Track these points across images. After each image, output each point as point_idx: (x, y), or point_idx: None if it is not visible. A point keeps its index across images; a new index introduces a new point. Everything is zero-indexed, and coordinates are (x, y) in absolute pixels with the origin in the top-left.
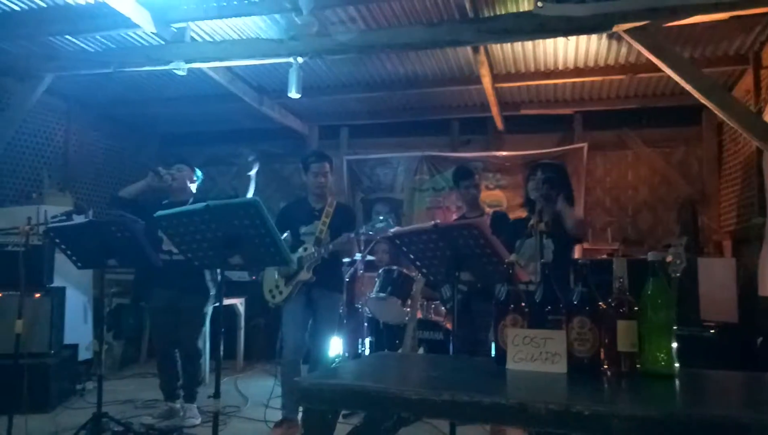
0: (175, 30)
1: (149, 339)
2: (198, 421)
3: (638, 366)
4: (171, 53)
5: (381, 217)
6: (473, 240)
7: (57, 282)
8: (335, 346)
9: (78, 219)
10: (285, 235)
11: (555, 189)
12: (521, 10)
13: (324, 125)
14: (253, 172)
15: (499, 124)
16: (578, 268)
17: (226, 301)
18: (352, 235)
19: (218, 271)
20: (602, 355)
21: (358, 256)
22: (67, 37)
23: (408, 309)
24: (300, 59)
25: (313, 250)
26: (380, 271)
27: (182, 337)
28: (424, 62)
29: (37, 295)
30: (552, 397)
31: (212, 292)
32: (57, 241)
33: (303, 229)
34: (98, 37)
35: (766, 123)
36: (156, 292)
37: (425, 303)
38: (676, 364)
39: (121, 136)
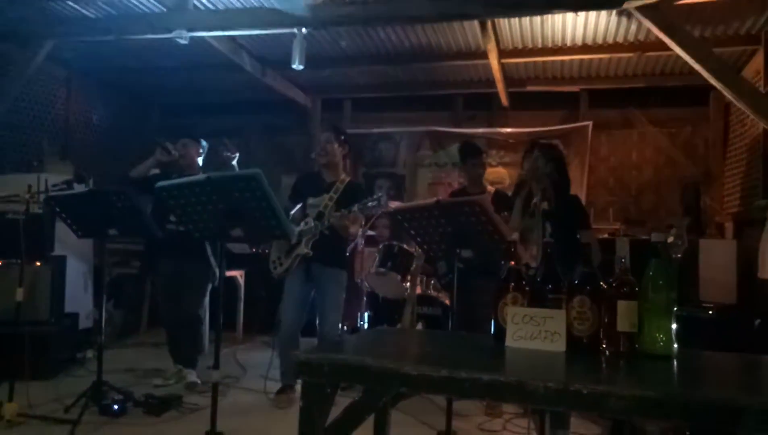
0: None
1: (150, 308)
2: (199, 382)
3: (637, 346)
4: (173, 21)
5: (373, 196)
6: (475, 217)
7: (58, 251)
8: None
9: (78, 188)
10: (296, 208)
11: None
12: None
13: (327, 98)
14: (234, 162)
15: (504, 100)
16: (581, 247)
17: (227, 274)
18: (346, 212)
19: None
20: (602, 335)
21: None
22: (69, 2)
23: (407, 284)
24: (304, 30)
25: (312, 224)
26: (380, 246)
27: (184, 304)
28: (429, 36)
29: (38, 263)
30: (550, 375)
31: (214, 268)
32: (57, 209)
33: (310, 201)
34: (100, 3)
35: None
36: (162, 261)
37: (425, 278)
38: (675, 345)
39: (123, 105)
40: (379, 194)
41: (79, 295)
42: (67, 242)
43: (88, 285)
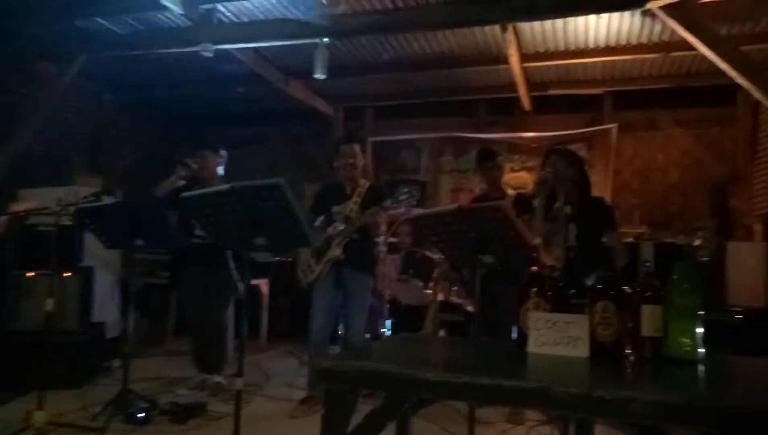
0: (202, 11)
1: (176, 318)
2: (225, 383)
3: (662, 351)
4: (199, 35)
5: (405, 190)
6: (497, 222)
7: (86, 261)
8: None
9: (107, 200)
10: (320, 219)
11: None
12: None
13: (349, 106)
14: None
15: (527, 104)
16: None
17: (251, 282)
18: (376, 208)
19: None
20: (626, 340)
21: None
22: (98, 19)
23: (430, 291)
24: (326, 40)
25: (341, 227)
26: (403, 252)
27: (208, 313)
28: (450, 42)
29: (67, 274)
30: (573, 381)
31: (236, 280)
32: (87, 221)
33: (335, 209)
34: (128, 19)
35: None
36: (187, 272)
37: (447, 285)
38: (701, 350)
39: (150, 118)
40: (411, 188)
41: (106, 305)
42: (96, 253)
43: (115, 295)
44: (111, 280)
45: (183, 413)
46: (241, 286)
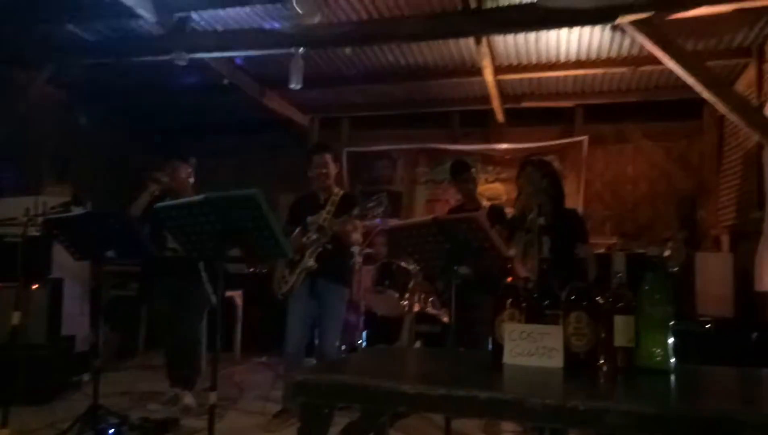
0: (176, 20)
1: (147, 331)
2: (194, 404)
3: (634, 361)
4: (172, 43)
5: (374, 197)
6: (472, 233)
7: (55, 273)
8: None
9: (76, 210)
10: (297, 230)
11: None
12: (524, 1)
13: (325, 117)
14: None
15: (500, 116)
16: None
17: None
18: (346, 217)
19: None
20: (599, 350)
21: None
22: (69, 26)
23: (405, 302)
24: (301, 50)
25: (314, 237)
26: (378, 263)
27: (182, 326)
28: (425, 54)
29: (35, 286)
30: (548, 392)
31: (209, 293)
32: (55, 232)
33: (309, 219)
34: (100, 27)
35: (767, 117)
36: (160, 285)
37: (423, 296)
38: (672, 360)
39: (122, 127)
40: (379, 194)
41: (75, 318)
42: (65, 265)
43: (84, 307)
44: (80, 293)
45: (155, 429)
46: (214, 299)
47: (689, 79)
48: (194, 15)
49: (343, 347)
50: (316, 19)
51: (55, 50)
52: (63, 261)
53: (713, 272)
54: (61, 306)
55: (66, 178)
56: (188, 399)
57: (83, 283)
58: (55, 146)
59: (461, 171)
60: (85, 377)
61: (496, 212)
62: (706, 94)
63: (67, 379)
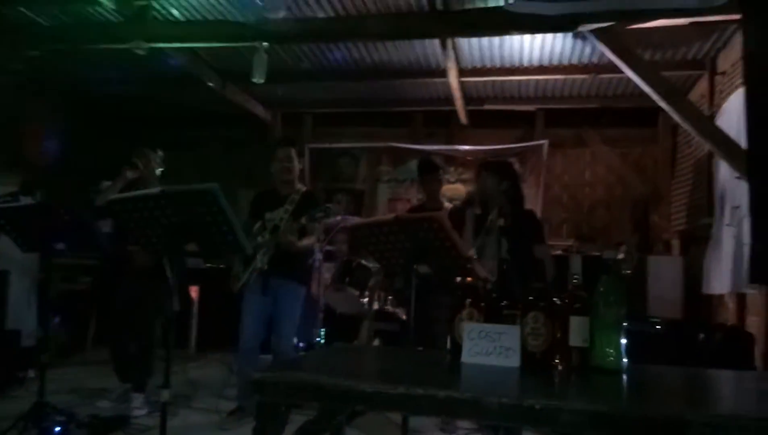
0: (136, 8)
1: (97, 326)
2: (144, 411)
3: (588, 361)
4: (131, 32)
5: (321, 207)
6: (433, 233)
7: (1, 265)
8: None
9: (25, 200)
10: (258, 224)
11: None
12: (490, 5)
13: (288, 112)
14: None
15: (463, 118)
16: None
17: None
18: (294, 225)
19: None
20: (555, 350)
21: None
22: (21, 9)
23: (365, 300)
24: (265, 44)
25: (268, 237)
26: (339, 261)
27: (141, 325)
28: (390, 53)
29: None
30: (504, 391)
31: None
32: (2, 222)
33: (267, 216)
34: (55, 11)
35: (717, 127)
36: (121, 282)
37: (382, 294)
38: (625, 360)
39: (78, 116)
40: (328, 205)
41: (22, 312)
42: (11, 256)
43: (32, 301)
44: (28, 286)
45: (103, 426)
46: (177, 305)
47: (646, 88)
48: (155, 3)
49: (301, 344)
50: (282, 14)
51: (6, 34)
52: (10, 252)
53: (664, 275)
54: (6, 299)
55: (17, 166)
56: (137, 402)
57: (31, 276)
58: (5, 133)
59: (430, 170)
60: (31, 373)
61: (456, 213)
62: (661, 103)
63: (12, 375)
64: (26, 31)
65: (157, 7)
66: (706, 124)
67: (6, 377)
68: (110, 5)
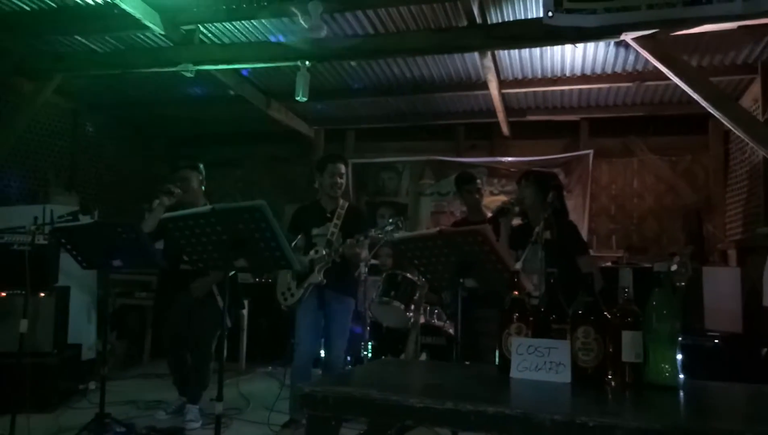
0: (184, 32)
1: (153, 340)
2: (198, 424)
3: (643, 377)
4: (179, 55)
5: (390, 220)
6: (478, 246)
7: (62, 281)
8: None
9: (84, 219)
10: (298, 238)
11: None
12: (530, 16)
13: (330, 129)
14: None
15: (505, 129)
16: (583, 275)
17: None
18: (360, 237)
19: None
20: (607, 366)
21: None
22: (77, 37)
23: (411, 314)
24: (307, 63)
25: (324, 252)
26: (384, 275)
27: (197, 340)
28: (431, 67)
29: (42, 294)
30: (556, 407)
31: (221, 304)
32: (63, 241)
33: (315, 231)
34: (108, 38)
35: None
36: (176, 298)
37: (428, 308)
38: (681, 376)
39: (128, 137)
40: (396, 218)
41: (82, 326)
42: (72, 273)
43: (91, 316)
44: (87, 301)
45: None
46: (229, 322)
47: (694, 95)
48: (201, 27)
49: (349, 359)
50: (323, 33)
51: (63, 61)
52: (70, 269)
53: (721, 287)
54: (67, 314)
55: (73, 186)
56: (190, 415)
57: (90, 292)
58: (61, 155)
59: (466, 181)
60: (92, 385)
61: (501, 212)
62: (710, 110)
63: (74, 387)
64: (80, 57)
65: (204, 30)
66: (761, 129)
67: (68, 389)
68: (159, 30)
